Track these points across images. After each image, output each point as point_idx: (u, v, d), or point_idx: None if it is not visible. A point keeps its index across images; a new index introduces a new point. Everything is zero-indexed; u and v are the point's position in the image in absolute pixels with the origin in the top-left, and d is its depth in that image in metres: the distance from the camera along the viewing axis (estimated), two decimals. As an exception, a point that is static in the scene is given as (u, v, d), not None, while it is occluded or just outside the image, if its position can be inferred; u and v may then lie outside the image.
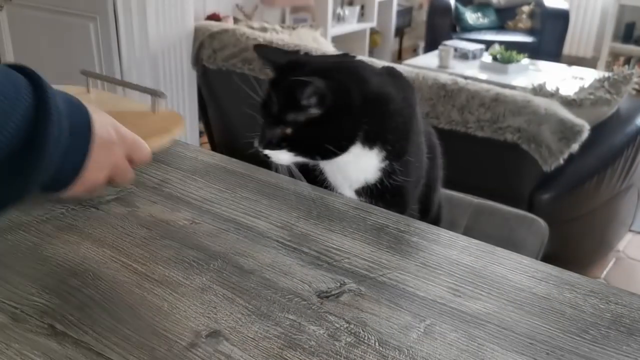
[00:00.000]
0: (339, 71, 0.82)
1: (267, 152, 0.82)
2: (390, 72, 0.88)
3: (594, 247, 2.48)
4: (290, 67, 0.82)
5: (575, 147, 1.89)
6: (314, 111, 0.78)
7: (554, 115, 1.89)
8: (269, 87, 0.82)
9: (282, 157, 0.82)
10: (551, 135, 1.88)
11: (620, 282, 2.44)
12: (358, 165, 0.85)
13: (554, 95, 2.09)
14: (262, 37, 2.59)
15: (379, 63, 2.30)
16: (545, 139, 1.88)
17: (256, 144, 0.83)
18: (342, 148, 0.81)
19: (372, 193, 0.86)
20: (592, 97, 2.08)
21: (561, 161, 1.89)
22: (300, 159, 0.83)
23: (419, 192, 0.91)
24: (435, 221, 0.96)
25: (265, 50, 0.88)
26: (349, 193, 0.89)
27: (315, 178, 0.90)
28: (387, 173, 0.84)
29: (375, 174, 0.85)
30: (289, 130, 0.80)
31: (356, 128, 0.81)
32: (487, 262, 0.72)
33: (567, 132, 1.87)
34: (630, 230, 2.72)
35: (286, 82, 0.80)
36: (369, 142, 0.82)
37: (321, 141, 0.81)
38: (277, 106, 0.80)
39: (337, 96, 0.78)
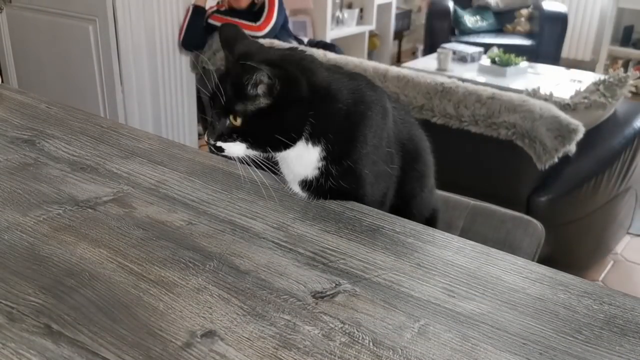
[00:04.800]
0: (288, 62, 0.80)
1: (219, 144, 0.80)
2: (355, 77, 0.86)
3: (592, 250, 2.48)
4: (241, 57, 0.79)
5: (570, 147, 1.90)
6: (263, 101, 0.77)
7: (550, 113, 1.89)
8: (218, 78, 0.80)
9: (235, 149, 0.80)
10: (546, 132, 1.88)
11: (618, 285, 2.44)
12: (301, 160, 0.82)
13: (547, 99, 2.10)
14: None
15: (377, 66, 2.31)
16: (540, 135, 1.87)
17: (207, 137, 0.81)
18: (292, 140, 0.79)
19: (310, 188, 0.84)
20: (586, 101, 2.09)
21: (556, 159, 1.90)
22: (252, 151, 0.81)
23: (384, 200, 0.88)
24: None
25: (229, 34, 0.84)
26: (294, 186, 0.86)
27: (274, 168, 0.87)
28: (323, 173, 0.82)
29: (313, 171, 0.83)
30: (238, 121, 0.78)
31: (304, 120, 0.79)
32: (482, 263, 0.72)
33: (562, 129, 1.88)
34: (628, 233, 2.73)
35: (234, 70, 0.78)
36: (313, 138, 0.80)
37: (272, 132, 0.79)
38: (225, 96, 0.78)
39: (285, 86, 0.77)
